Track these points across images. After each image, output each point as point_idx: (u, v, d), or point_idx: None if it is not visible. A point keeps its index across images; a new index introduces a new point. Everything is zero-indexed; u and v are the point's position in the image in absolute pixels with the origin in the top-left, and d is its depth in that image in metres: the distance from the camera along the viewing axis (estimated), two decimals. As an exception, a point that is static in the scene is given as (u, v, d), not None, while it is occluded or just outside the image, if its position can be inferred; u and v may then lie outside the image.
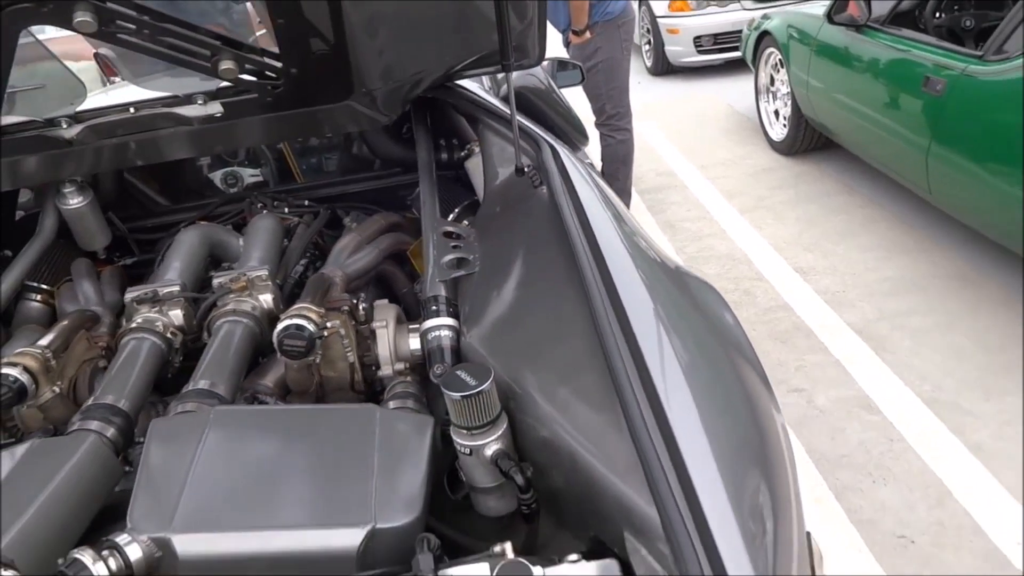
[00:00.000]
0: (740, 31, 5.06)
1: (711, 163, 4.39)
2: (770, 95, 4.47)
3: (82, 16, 1.20)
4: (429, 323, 1.42)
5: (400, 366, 1.48)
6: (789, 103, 4.18)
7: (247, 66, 1.42)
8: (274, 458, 1.18)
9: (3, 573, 0.97)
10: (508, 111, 1.80)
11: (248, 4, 1.95)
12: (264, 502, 1.08)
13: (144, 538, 1.00)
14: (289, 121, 1.58)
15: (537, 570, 0.89)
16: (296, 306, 1.44)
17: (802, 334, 2.70)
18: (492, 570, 0.89)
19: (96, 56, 5.95)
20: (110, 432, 1.28)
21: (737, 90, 5.51)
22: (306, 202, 2.11)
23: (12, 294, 1.75)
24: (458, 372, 1.15)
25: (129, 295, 1.63)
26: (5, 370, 1.40)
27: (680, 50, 6.19)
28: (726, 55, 5.99)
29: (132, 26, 1.27)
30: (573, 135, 2.16)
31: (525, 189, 1.71)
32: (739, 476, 0.96)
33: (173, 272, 1.70)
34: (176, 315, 1.59)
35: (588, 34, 3.28)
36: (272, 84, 1.48)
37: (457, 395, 1.10)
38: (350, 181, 2.26)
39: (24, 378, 1.40)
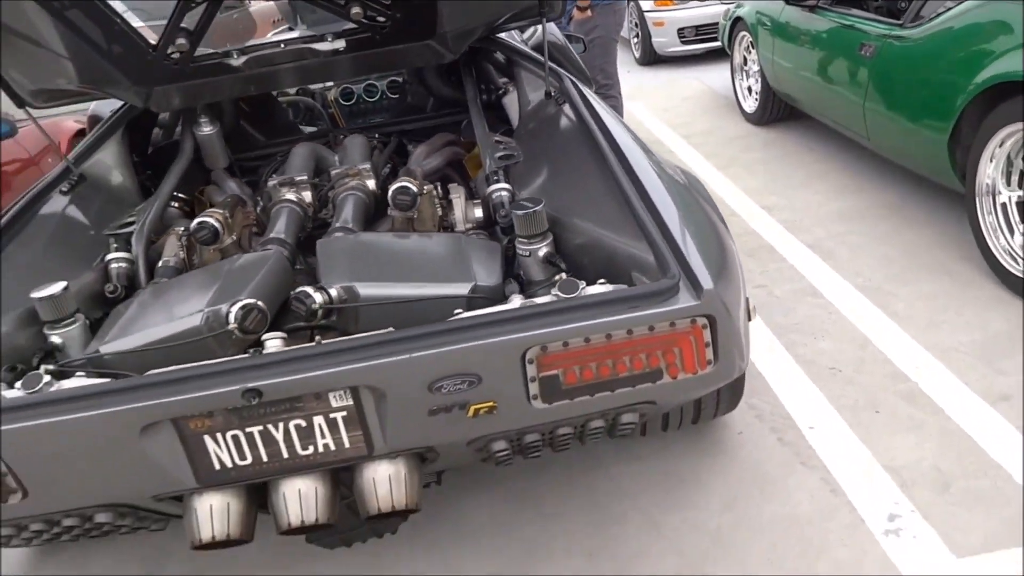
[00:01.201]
0: (718, 23, 5.73)
1: (693, 133, 5.05)
2: (743, 73, 5.15)
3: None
4: (492, 187, 2.07)
5: (469, 225, 2.12)
6: (759, 79, 4.84)
7: (367, 12, 2.06)
8: (403, 251, 1.83)
9: (257, 303, 1.59)
10: (536, 56, 2.47)
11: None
12: (404, 271, 1.73)
13: (336, 285, 1.63)
14: (390, 55, 2.23)
15: (582, 283, 1.53)
16: (401, 176, 2.09)
17: (765, 251, 3.35)
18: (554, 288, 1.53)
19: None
20: (285, 252, 1.92)
21: (716, 75, 6.19)
22: (376, 135, 2.75)
23: (168, 198, 2.36)
24: (520, 202, 1.78)
25: (272, 181, 2.27)
26: (204, 219, 2.03)
27: (665, 41, 6.87)
28: (706, 45, 6.67)
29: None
30: (580, 78, 2.81)
31: (552, 108, 2.36)
32: (705, 244, 1.60)
33: (295, 169, 2.34)
34: (307, 194, 2.23)
35: (589, 12, 3.94)
36: (382, 26, 2.13)
37: (521, 212, 1.73)
38: (407, 121, 2.91)
39: (217, 225, 2.03)
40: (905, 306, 2.77)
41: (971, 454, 2.07)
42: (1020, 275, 2.65)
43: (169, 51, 2.06)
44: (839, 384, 2.43)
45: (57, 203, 2.26)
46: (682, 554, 1.91)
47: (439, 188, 2.20)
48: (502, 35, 2.61)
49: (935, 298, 2.79)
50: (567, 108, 2.27)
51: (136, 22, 2.01)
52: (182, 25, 1.98)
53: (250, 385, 1.38)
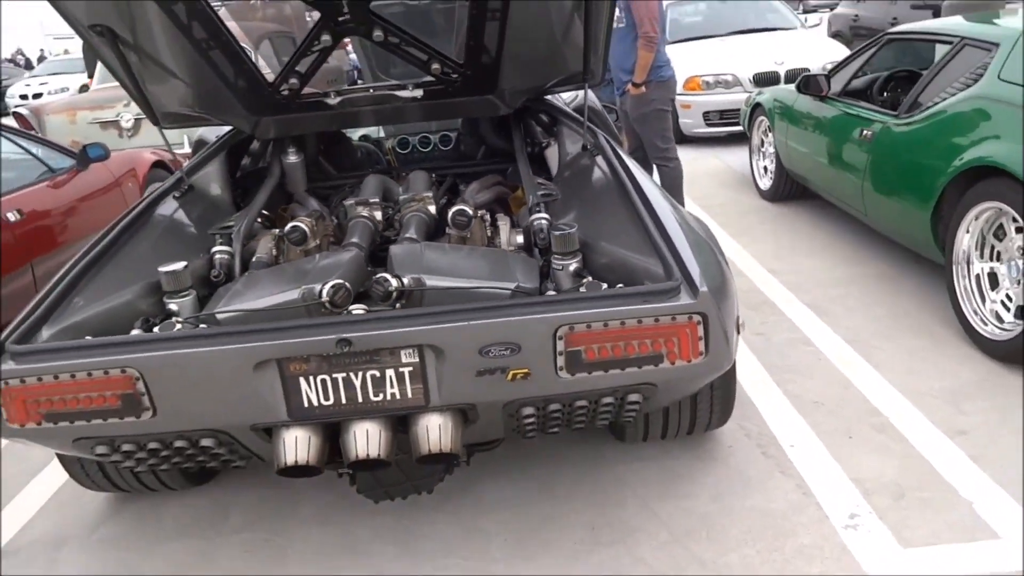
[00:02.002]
0: (740, 108, 6.25)
1: (712, 204, 5.50)
2: (760, 154, 5.62)
3: (378, 32, 2.31)
4: (533, 216, 2.49)
5: (511, 248, 2.54)
6: (774, 160, 5.31)
7: (444, 68, 2.54)
8: (460, 257, 2.24)
9: (345, 283, 2.00)
10: (576, 116, 2.93)
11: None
12: (460, 271, 2.14)
13: (407, 277, 2.04)
14: (457, 105, 2.70)
15: (603, 285, 1.94)
16: (458, 203, 2.52)
17: (767, 306, 3.73)
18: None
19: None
20: (362, 254, 2.34)
21: (735, 155, 6.69)
22: (433, 174, 3.20)
23: (259, 209, 2.81)
24: (557, 225, 2.21)
25: (349, 201, 2.72)
26: (296, 223, 2.47)
27: (691, 123, 7.40)
28: (729, 128, 7.19)
29: (396, 40, 2.38)
30: (612, 138, 3.25)
31: (587, 159, 2.81)
32: (705, 262, 1.99)
33: (369, 193, 2.78)
34: (377, 213, 2.67)
35: (644, 88, 4.45)
36: (453, 80, 2.60)
37: (558, 233, 2.15)
38: (460, 166, 3.37)
39: (306, 229, 2.47)
40: (886, 357, 3.13)
41: (927, 474, 2.40)
42: (989, 337, 3.01)
43: (282, 88, 2.54)
44: (821, 414, 2.78)
45: (171, 205, 2.72)
46: (672, 531, 2.25)
47: (488, 217, 2.64)
48: (548, 97, 3.09)
49: (914, 352, 3.14)
50: (600, 159, 2.72)
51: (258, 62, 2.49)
52: (296, 68, 2.47)
53: (344, 335, 1.78)
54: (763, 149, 5.60)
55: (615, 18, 4.49)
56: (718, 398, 2.41)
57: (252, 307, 2.02)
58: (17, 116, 7.00)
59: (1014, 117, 2.92)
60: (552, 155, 3.08)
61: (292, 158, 3.06)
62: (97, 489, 2.57)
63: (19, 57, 29.69)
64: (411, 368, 1.86)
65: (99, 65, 8.31)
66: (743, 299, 2.98)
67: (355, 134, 3.63)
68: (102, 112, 7.02)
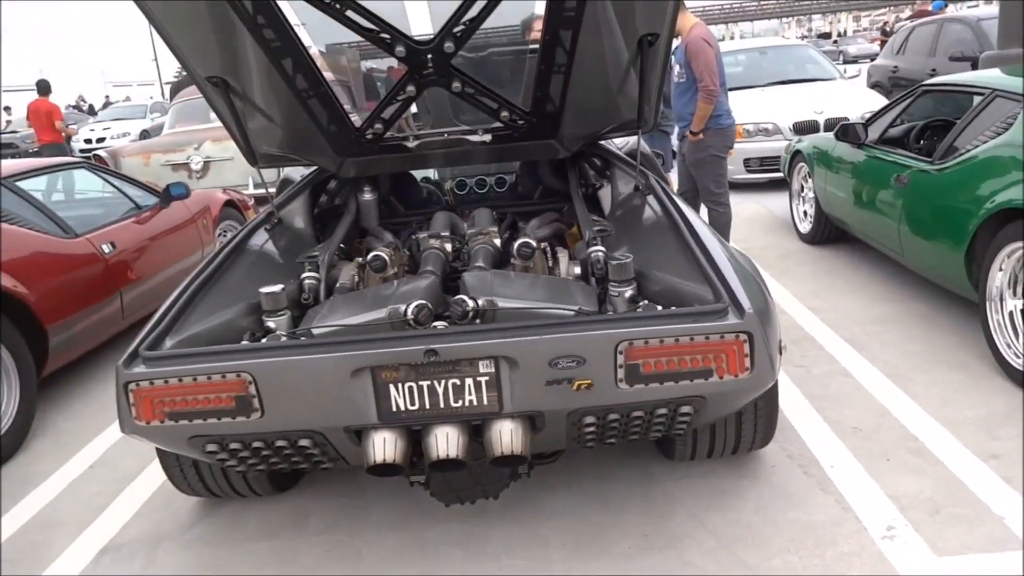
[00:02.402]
0: (780, 156, 6.48)
1: (752, 247, 5.69)
2: (800, 198, 5.83)
3: (456, 84, 2.61)
4: (590, 249, 2.73)
5: (571, 277, 2.78)
6: (814, 204, 5.51)
7: (512, 115, 2.83)
8: (526, 283, 2.49)
9: (427, 304, 2.26)
10: (629, 159, 3.19)
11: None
12: (526, 295, 2.38)
13: (481, 299, 2.29)
14: (521, 148, 2.98)
15: (658, 307, 2.17)
16: (522, 236, 2.78)
17: (808, 340, 3.91)
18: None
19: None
20: (437, 280, 2.61)
21: (775, 201, 6.89)
22: (495, 212, 3.47)
23: (340, 241, 3.10)
24: (614, 255, 2.45)
25: (421, 234, 3.00)
26: (378, 252, 2.75)
27: (733, 169, 7.60)
28: (769, 175, 7.41)
29: (471, 91, 2.67)
30: (661, 179, 3.50)
31: (639, 199, 3.06)
32: (749, 288, 2.22)
33: (439, 227, 3.06)
34: (448, 245, 2.94)
35: (702, 136, 4.72)
36: (519, 127, 2.89)
37: (615, 262, 2.40)
38: (518, 205, 3.64)
39: (387, 258, 2.74)
40: (923, 388, 3.29)
41: (961, 493, 2.55)
42: (1022, 369, 3.16)
43: (367, 132, 2.85)
44: (859, 439, 2.94)
45: (263, 237, 3.02)
46: (719, 539, 2.43)
47: (548, 249, 2.89)
48: (601, 142, 3.36)
49: (949, 384, 3.30)
50: (651, 199, 2.97)
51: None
52: (381, 115, 2.77)
53: (431, 346, 2.03)
54: (803, 194, 5.80)
55: (676, 73, 4.78)
56: (762, 418, 2.60)
57: (345, 323, 2.29)
58: (96, 158, 7.50)
59: (1041, 163, 3.11)
60: (605, 196, 3.33)
61: (367, 196, 3.36)
62: (191, 493, 2.83)
63: (82, 103, 31.20)
64: (488, 377, 2.09)
65: (170, 111, 8.88)
66: (785, 334, 3.14)
67: (417, 175, 3.94)
68: (174, 155, 7.48)
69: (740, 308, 2.08)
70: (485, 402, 2.11)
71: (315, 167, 3.37)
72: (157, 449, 2.69)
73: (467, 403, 2.11)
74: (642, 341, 2.05)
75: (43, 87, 11.18)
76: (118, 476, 3.22)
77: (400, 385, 2.11)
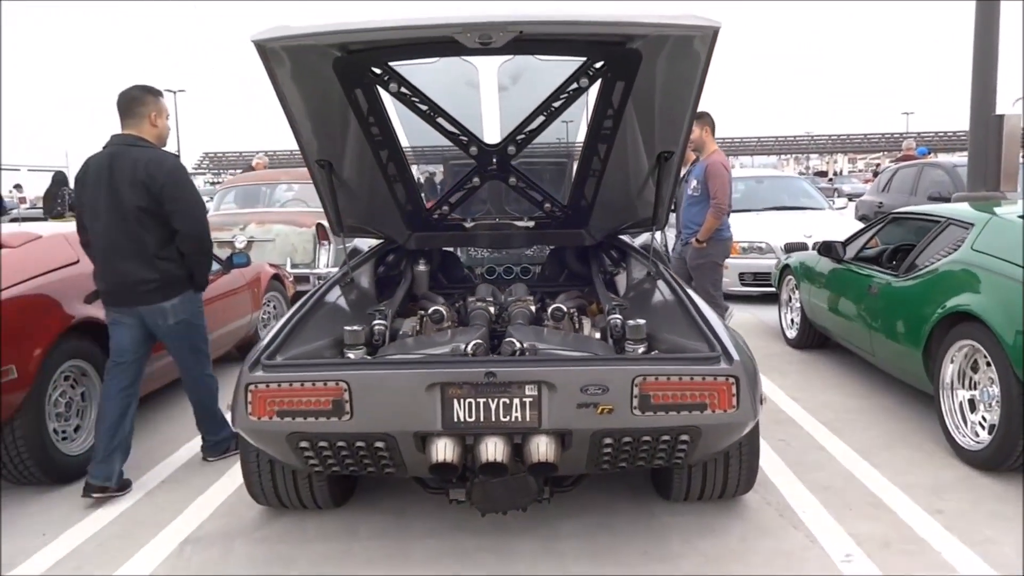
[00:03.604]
0: (771, 272, 7.20)
1: (743, 347, 6.32)
2: (788, 308, 6.50)
3: (512, 179, 3.31)
4: (609, 316, 3.36)
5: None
6: (800, 313, 6.18)
7: (552, 207, 3.52)
8: (559, 335, 3.10)
9: (482, 342, 2.88)
10: (641, 251, 3.87)
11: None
12: (560, 343, 2.99)
13: (526, 342, 2.90)
14: (556, 235, 3.66)
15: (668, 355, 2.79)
16: (554, 303, 3.42)
17: (789, 421, 4.47)
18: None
19: (317, 226, 8.41)
20: (485, 330, 3.22)
21: (767, 312, 7.57)
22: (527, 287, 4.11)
23: (399, 302, 3.73)
24: (631, 319, 3.08)
25: (471, 299, 3.64)
26: (437, 308, 3.37)
27: (728, 282, 8.34)
28: (761, 288, 8.12)
29: (523, 185, 3.37)
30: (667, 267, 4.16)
31: (650, 283, 3.71)
32: (737, 346, 2.84)
33: (483, 294, 3.70)
34: (491, 308, 3.56)
35: (704, 244, 5.44)
36: (557, 216, 3.57)
37: (631, 323, 3.03)
38: (546, 286, 4.29)
39: (444, 312, 3.36)
40: (884, 461, 3.83)
41: (908, 535, 3.08)
42: (968, 448, 3.72)
43: (435, 213, 3.53)
44: (827, 494, 3.47)
45: (337, 291, 3.65)
46: (707, 557, 2.94)
47: (576, 315, 3.52)
48: (620, 236, 4.06)
49: (908, 460, 3.85)
50: (660, 283, 3.62)
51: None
52: (449, 200, 3.46)
53: (491, 368, 2.62)
54: (790, 304, 6.48)
55: (692, 187, 5.53)
56: (745, 461, 3.16)
57: (416, 354, 2.88)
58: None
59: (983, 276, 3.79)
60: (621, 280, 3.99)
61: (421, 267, 4.02)
62: (264, 501, 3.32)
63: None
64: (531, 399, 2.67)
65: (216, 196, 9.68)
66: (769, 416, 3.73)
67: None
68: (220, 233, 8.17)
69: (730, 357, 2.69)
70: (528, 419, 2.68)
71: (382, 240, 4.04)
72: (241, 458, 3.23)
73: (513, 418, 2.68)
74: (653, 377, 2.64)
75: (59, 179, 12.89)
76: (188, 490, 3.71)
77: (462, 400, 2.68)
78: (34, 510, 3.54)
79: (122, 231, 3.42)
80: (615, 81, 2.90)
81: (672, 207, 6.00)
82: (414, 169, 3.37)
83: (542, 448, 2.68)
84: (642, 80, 2.90)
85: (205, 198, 8.32)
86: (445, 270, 4.33)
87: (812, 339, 6.12)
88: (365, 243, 4.31)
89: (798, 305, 6.22)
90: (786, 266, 6.49)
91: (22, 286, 3.75)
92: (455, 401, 2.68)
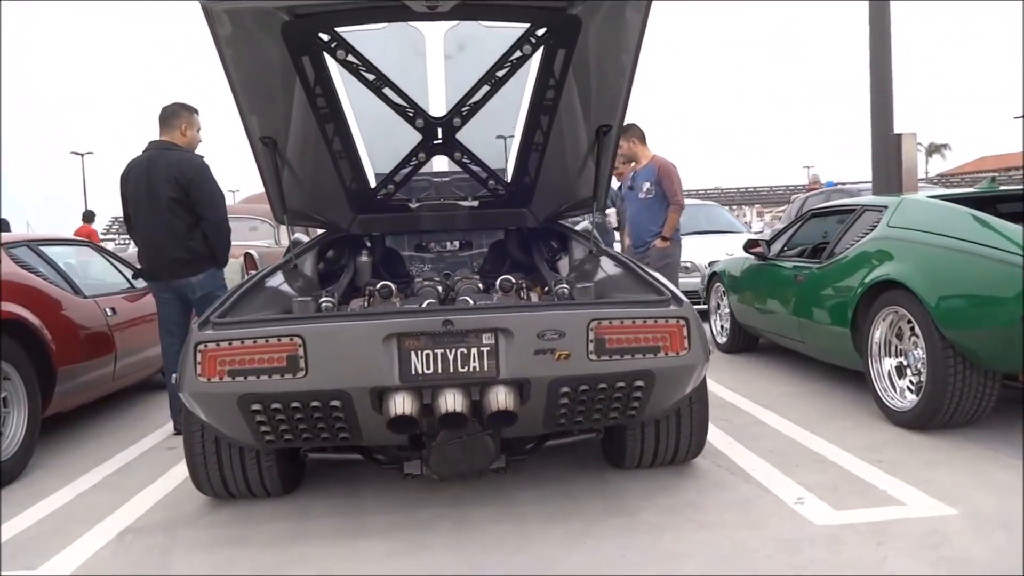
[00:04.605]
0: (698, 289, 7.44)
1: (677, 354, 6.47)
2: (718, 315, 6.70)
3: (457, 154, 3.37)
4: (556, 286, 3.41)
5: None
6: (729, 319, 6.38)
7: (496, 185, 3.58)
8: (513, 300, 3.13)
9: (391, 285, 2.88)
10: (582, 233, 3.97)
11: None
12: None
13: (480, 303, 2.93)
14: (501, 215, 3.71)
15: (619, 304, 2.86)
16: (501, 277, 3.45)
17: (730, 407, 4.58)
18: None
19: (244, 256, 8.28)
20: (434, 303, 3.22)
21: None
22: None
23: (344, 287, 3.70)
24: (576, 286, 3.14)
25: (417, 279, 3.63)
26: (385, 283, 3.36)
27: (656, 301, 8.58)
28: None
29: (467, 161, 3.43)
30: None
31: (592, 260, 3.79)
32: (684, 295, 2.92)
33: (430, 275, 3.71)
34: (439, 288, 3.57)
35: (668, 243, 5.56)
36: (501, 194, 3.63)
37: (580, 286, 3.09)
38: (491, 276, 4.32)
39: (392, 288, 3.35)
40: (823, 430, 3.96)
41: (854, 479, 3.19)
42: (898, 410, 3.89)
43: (380, 192, 3.54)
44: (774, 456, 3.56)
45: (280, 277, 3.59)
46: (667, 509, 2.98)
47: (523, 287, 3.56)
48: (560, 222, 4.15)
49: (843, 428, 3.98)
50: (603, 258, 3.71)
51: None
52: (394, 178, 3.49)
53: (448, 317, 2.63)
54: (719, 311, 6.69)
55: (645, 190, 5.62)
56: (696, 419, 3.22)
57: (370, 310, 2.86)
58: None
59: (900, 247, 4.03)
60: (563, 264, 4.07)
61: (364, 258, 4.00)
62: (209, 490, 3.18)
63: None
64: (488, 348, 2.68)
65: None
66: (712, 406, 3.77)
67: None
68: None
69: (679, 300, 2.77)
70: (486, 368, 2.68)
71: (323, 232, 4.01)
72: (184, 440, 3.10)
73: (472, 368, 2.68)
74: (607, 321, 2.69)
75: (88, 216, 14.05)
76: (126, 490, 3.51)
77: (420, 352, 2.66)
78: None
79: (158, 218, 4.10)
80: (556, 48, 3.01)
81: (617, 225, 6.18)
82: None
83: (500, 397, 2.68)
84: (581, 50, 3.02)
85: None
86: (387, 266, 4.31)
87: (743, 343, 6.31)
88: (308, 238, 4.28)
89: (727, 311, 6.43)
90: (713, 273, 6.72)
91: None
92: (412, 353, 2.67)
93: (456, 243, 4.50)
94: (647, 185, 5.68)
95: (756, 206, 72.69)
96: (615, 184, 6.76)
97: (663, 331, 2.74)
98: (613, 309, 2.72)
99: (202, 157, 4.28)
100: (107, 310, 4.67)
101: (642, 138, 5.77)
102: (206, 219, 4.12)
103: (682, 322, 2.75)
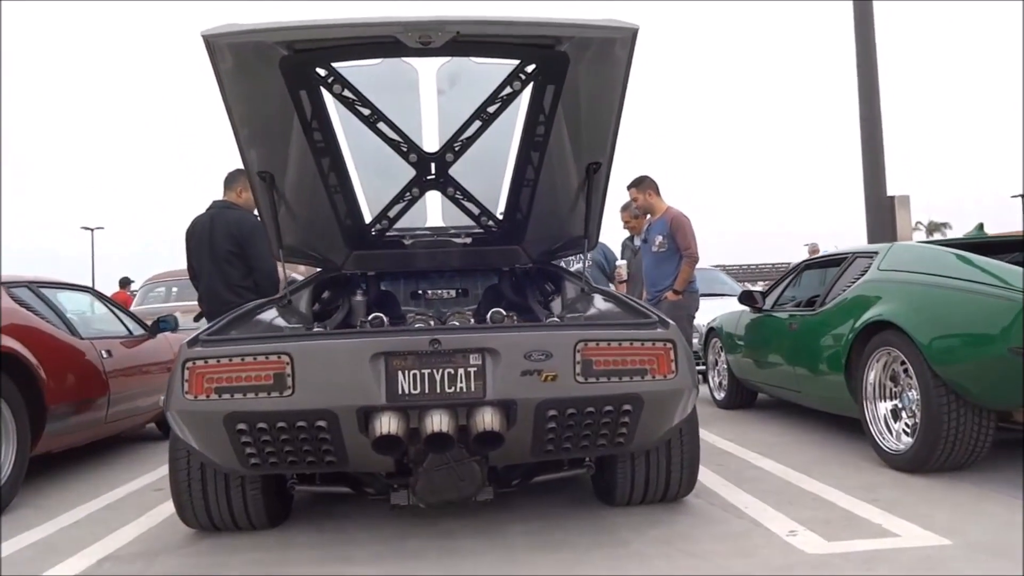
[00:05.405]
0: (698, 350, 7.44)
1: (675, 410, 6.42)
2: (716, 371, 6.68)
3: (451, 190, 3.44)
4: (548, 319, 3.43)
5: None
6: (727, 375, 6.36)
7: (489, 222, 3.64)
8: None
9: (383, 316, 2.91)
10: (574, 273, 4.01)
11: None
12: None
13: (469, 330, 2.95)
14: (493, 253, 3.76)
15: (606, 329, 2.88)
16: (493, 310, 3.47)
17: (725, 454, 4.53)
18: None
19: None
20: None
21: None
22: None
23: (337, 324, 3.73)
24: (567, 315, 3.17)
25: (410, 314, 3.66)
26: (377, 314, 3.38)
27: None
28: (688, 366, 8.31)
29: (460, 196, 3.50)
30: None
31: (584, 299, 3.82)
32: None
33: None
34: (431, 322, 3.59)
35: (680, 296, 5.54)
36: (493, 230, 3.69)
37: (570, 315, 3.11)
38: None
39: (384, 319, 3.37)
40: (820, 473, 3.90)
41: (847, 516, 3.13)
42: (892, 452, 3.85)
43: (374, 227, 3.61)
44: (769, 496, 3.50)
45: (275, 312, 3.62)
46: (659, 540, 2.92)
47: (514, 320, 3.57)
48: (552, 263, 4.20)
49: (839, 472, 3.92)
50: (595, 295, 3.73)
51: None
52: (388, 213, 3.56)
53: (436, 336, 2.64)
54: (717, 367, 6.67)
55: (658, 243, 5.61)
56: (687, 453, 3.19)
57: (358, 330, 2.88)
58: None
59: (891, 289, 4.06)
60: (556, 304, 4.09)
61: (359, 297, 4.04)
62: (195, 523, 3.14)
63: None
64: (476, 368, 2.68)
65: (139, 293, 9.49)
66: (705, 449, 3.74)
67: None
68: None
69: (666, 324, 2.79)
70: (473, 388, 2.68)
71: (319, 272, 4.06)
72: (171, 472, 3.07)
73: (458, 389, 2.68)
74: (595, 343, 2.71)
75: (124, 282, 14.79)
76: (109, 524, 3.46)
77: (407, 372, 2.67)
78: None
79: (216, 268, 4.58)
80: (546, 84, 3.11)
81: (625, 278, 6.20)
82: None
83: (487, 418, 2.67)
84: (570, 86, 3.13)
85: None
86: (382, 307, 4.34)
87: (741, 398, 6.28)
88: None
89: (725, 367, 6.41)
90: (711, 329, 6.73)
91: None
92: (399, 373, 2.67)
93: (453, 292, 4.53)
94: (659, 238, 5.65)
95: (759, 283, 73.35)
96: (623, 236, 6.84)
97: (650, 353, 2.74)
98: (600, 331, 2.74)
99: (256, 217, 4.62)
100: (103, 352, 4.68)
101: (656, 190, 5.80)
102: (258, 270, 4.59)
103: (668, 344, 2.76)
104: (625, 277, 6.16)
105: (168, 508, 3.43)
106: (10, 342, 3.80)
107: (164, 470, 4.30)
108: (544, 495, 3.53)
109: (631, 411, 2.78)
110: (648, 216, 5.89)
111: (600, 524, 3.15)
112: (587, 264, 3.94)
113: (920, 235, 37.57)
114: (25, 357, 3.87)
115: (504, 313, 3.38)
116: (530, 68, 3.06)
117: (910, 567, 2.54)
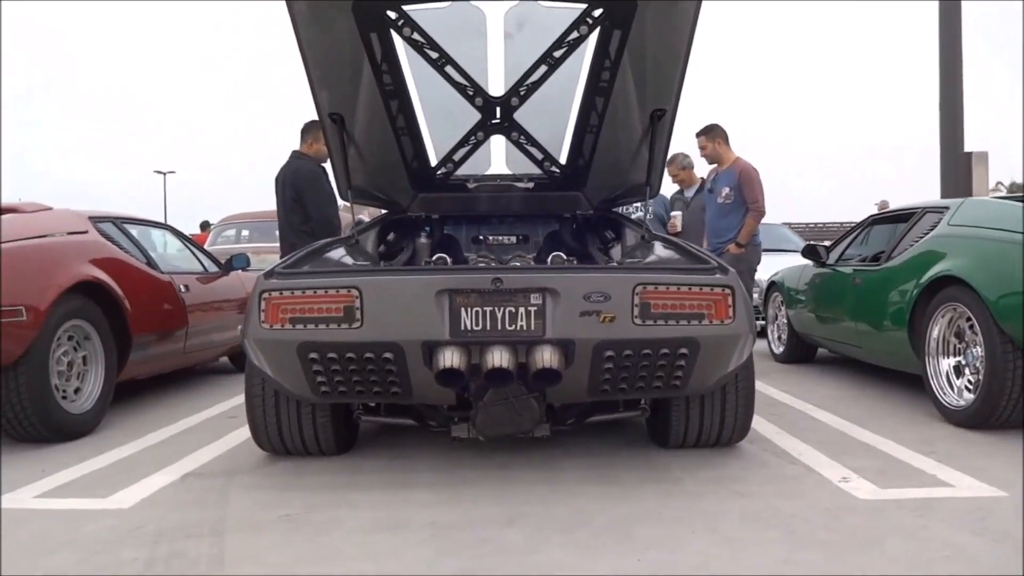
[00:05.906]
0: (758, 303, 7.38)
1: (732, 363, 6.43)
2: (775, 325, 6.64)
3: (515, 134, 3.49)
4: (610, 263, 3.47)
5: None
6: (787, 328, 6.32)
7: (551, 167, 3.69)
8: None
9: (446, 256, 2.99)
10: (635, 221, 4.04)
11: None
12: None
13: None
14: (556, 199, 3.82)
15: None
16: (554, 253, 3.54)
17: (782, 405, 4.55)
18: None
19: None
20: None
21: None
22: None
23: (403, 262, 3.85)
24: (625, 260, 3.22)
25: (472, 256, 3.75)
26: (441, 254, 3.48)
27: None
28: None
29: (524, 141, 3.55)
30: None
31: (645, 246, 3.85)
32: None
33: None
34: (493, 263, 3.67)
35: (743, 249, 5.49)
36: (555, 176, 3.74)
37: (628, 260, 3.16)
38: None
39: (448, 259, 3.47)
40: (877, 426, 3.90)
41: (901, 465, 3.15)
42: (953, 408, 3.82)
43: (440, 170, 3.69)
44: (823, 445, 3.53)
45: (342, 250, 3.75)
46: (711, 481, 3.00)
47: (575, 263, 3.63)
48: (614, 210, 4.23)
49: (897, 425, 3.91)
50: (655, 242, 3.76)
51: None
52: (453, 157, 3.63)
53: (498, 275, 2.73)
54: (777, 321, 6.63)
55: (724, 195, 5.55)
56: (742, 398, 3.23)
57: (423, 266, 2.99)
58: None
59: (960, 244, 3.98)
60: (616, 251, 4.14)
61: (423, 240, 4.15)
62: (268, 447, 3.34)
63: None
64: (536, 308, 2.77)
65: (213, 232, 9.84)
66: (761, 401, 3.79)
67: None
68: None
69: (725, 270, 2.82)
70: (533, 327, 2.77)
71: (386, 213, 4.18)
72: (247, 399, 3.26)
73: (519, 327, 2.77)
74: (653, 286, 2.76)
75: (204, 225, 15.51)
76: (189, 445, 3.70)
77: (469, 309, 2.77)
78: (33, 455, 3.52)
79: (285, 212, 5.06)
80: (612, 30, 3.12)
81: (680, 230, 6.16)
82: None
83: (546, 356, 2.75)
84: (636, 32, 3.13)
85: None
86: (446, 250, 4.45)
87: (800, 353, 6.24)
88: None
89: (785, 322, 6.37)
90: (772, 283, 6.67)
91: (33, 240, 3.85)
92: (463, 310, 2.77)
93: (513, 238, 4.60)
94: (726, 190, 5.56)
95: (826, 241, 71.54)
96: (673, 190, 6.80)
97: (708, 298, 2.78)
98: (658, 274, 2.79)
99: (319, 165, 5.06)
100: (181, 286, 4.93)
101: (726, 139, 5.67)
102: (314, 217, 4.96)
103: (727, 291, 2.79)
104: (679, 228, 6.11)
105: (243, 433, 3.66)
106: (98, 272, 4.03)
107: (237, 399, 4.58)
108: (599, 435, 3.63)
109: (687, 355, 2.83)
110: (714, 166, 5.79)
111: (652, 464, 3.24)
112: (649, 212, 3.96)
113: (1000, 195, 35.79)
114: (112, 288, 4.10)
115: (564, 257, 3.45)
116: (597, 12, 3.07)
117: (962, 515, 2.56)
